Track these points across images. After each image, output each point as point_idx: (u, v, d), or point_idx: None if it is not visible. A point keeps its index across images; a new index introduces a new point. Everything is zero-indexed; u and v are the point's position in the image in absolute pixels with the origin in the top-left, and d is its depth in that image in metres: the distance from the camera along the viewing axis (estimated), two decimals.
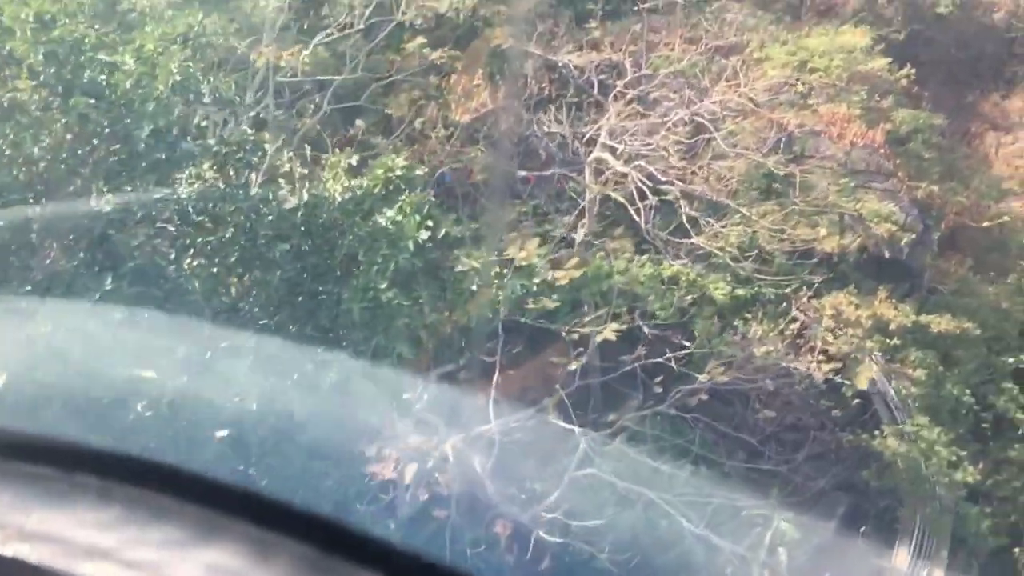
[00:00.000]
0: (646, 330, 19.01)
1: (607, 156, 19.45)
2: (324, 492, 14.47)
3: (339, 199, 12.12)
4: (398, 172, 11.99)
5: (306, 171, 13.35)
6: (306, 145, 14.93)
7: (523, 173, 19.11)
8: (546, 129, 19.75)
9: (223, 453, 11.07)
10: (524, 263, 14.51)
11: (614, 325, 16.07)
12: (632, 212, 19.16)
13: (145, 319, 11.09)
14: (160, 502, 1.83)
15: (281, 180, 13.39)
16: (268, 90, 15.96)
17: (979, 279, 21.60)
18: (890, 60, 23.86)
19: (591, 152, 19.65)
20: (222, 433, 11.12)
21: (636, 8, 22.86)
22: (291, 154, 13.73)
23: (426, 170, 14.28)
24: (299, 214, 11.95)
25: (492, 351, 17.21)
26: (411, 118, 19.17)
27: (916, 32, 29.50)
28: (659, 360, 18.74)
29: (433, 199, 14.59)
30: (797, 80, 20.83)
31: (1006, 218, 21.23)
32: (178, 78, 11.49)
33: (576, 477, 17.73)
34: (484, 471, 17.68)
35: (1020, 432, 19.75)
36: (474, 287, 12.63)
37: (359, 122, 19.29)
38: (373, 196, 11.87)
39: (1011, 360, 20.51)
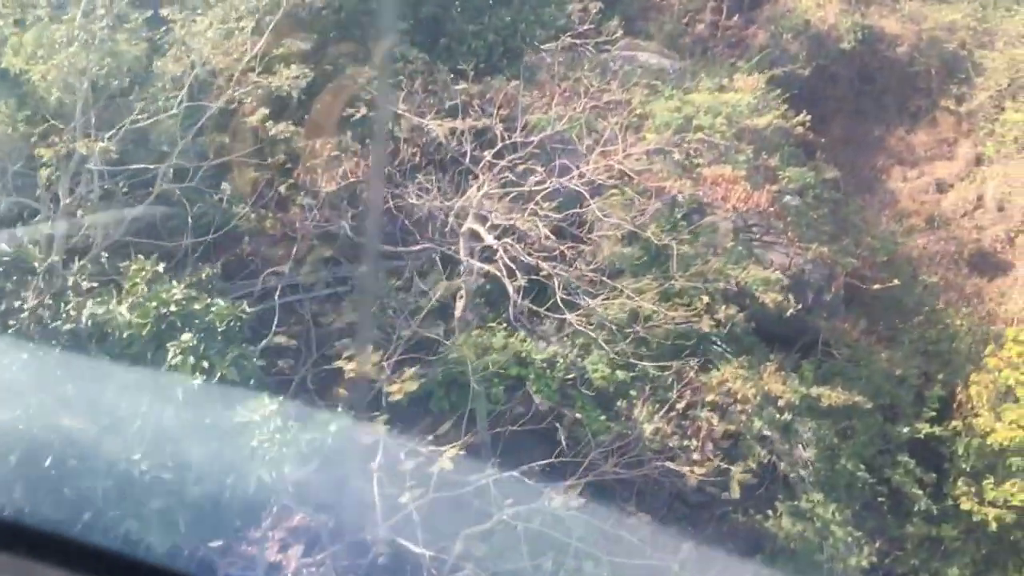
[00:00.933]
0: (537, 403, 17.10)
1: (479, 229, 17.40)
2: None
3: (122, 331, 9.94)
4: (172, 308, 9.87)
5: (94, 285, 11.09)
6: (103, 254, 12.72)
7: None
8: (412, 201, 17.65)
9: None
10: (353, 375, 12.40)
11: (451, 453, 13.97)
12: (509, 288, 17.12)
13: None
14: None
15: (70, 297, 11.15)
16: (79, 183, 13.74)
17: (874, 341, 19.91)
18: (784, 109, 22.04)
19: (463, 225, 17.58)
20: None
21: (518, 58, 20.85)
22: (83, 263, 11.49)
23: (208, 302, 12.12)
24: (58, 353, 9.78)
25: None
26: (267, 187, 16.99)
27: (821, 67, 28.07)
28: (536, 449, 16.85)
29: (247, 311, 12.40)
30: (682, 141, 18.89)
31: (896, 281, 19.45)
32: None
33: None
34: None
35: (916, 508, 17.96)
36: (255, 443, 10.49)
37: (225, 184, 17.10)
38: (142, 338, 9.75)
39: (906, 430, 18.85)
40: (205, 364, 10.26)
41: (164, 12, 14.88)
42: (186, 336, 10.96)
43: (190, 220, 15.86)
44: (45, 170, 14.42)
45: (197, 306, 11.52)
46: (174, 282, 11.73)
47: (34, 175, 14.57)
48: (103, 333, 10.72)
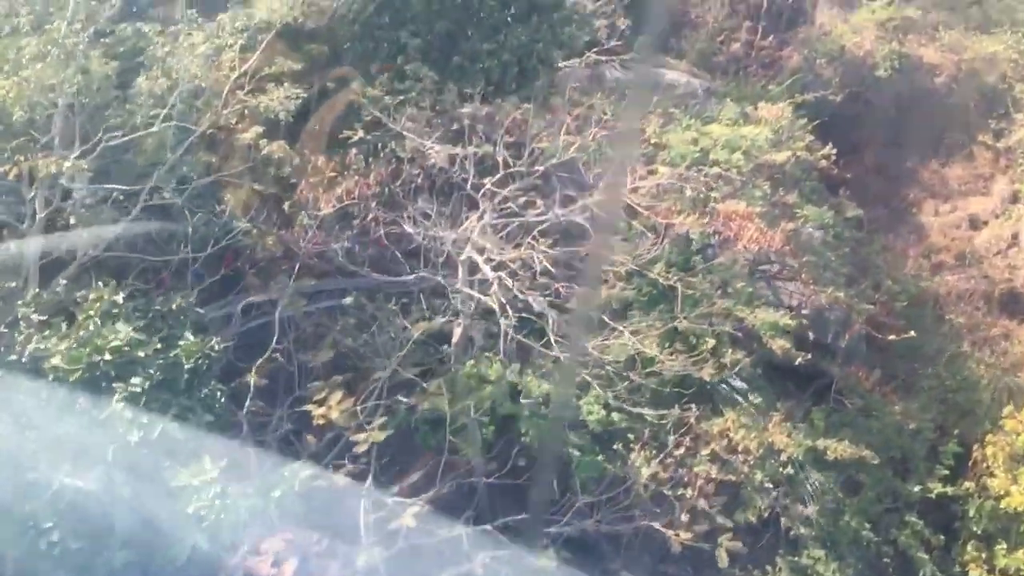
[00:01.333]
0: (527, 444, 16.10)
1: (477, 259, 16.37)
2: None
3: (50, 376, 9.04)
4: (107, 356, 8.92)
5: (44, 317, 10.20)
6: (62, 281, 11.86)
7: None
8: (409, 228, 16.65)
9: None
10: (322, 421, 11.43)
11: (414, 509, 12.94)
12: (502, 325, 16.10)
13: None
14: None
15: (22, 327, 10.27)
16: (51, 203, 12.93)
17: (889, 390, 18.64)
18: (809, 140, 20.79)
19: (461, 253, 16.55)
20: None
21: (532, 79, 19.73)
22: (37, 291, 10.62)
23: (157, 347, 11.17)
24: None
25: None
26: (260, 207, 16.11)
27: (855, 94, 26.84)
28: (525, 493, 15.84)
29: (216, 348, 11.47)
30: (697, 174, 17.72)
31: (912, 333, 18.13)
32: None
33: None
34: None
35: (923, 573, 16.69)
36: (191, 509, 9.52)
37: (229, 199, 16.21)
38: (71, 385, 8.84)
39: (916, 488, 17.53)
40: (145, 420, 9.32)
41: (146, 29, 14.07)
42: (135, 380, 10.02)
43: (184, 236, 15.12)
44: (33, 184, 13.63)
45: (142, 353, 10.56)
46: (118, 325, 10.79)
47: (18, 190, 13.79)
48: (40, 373, 9.87)
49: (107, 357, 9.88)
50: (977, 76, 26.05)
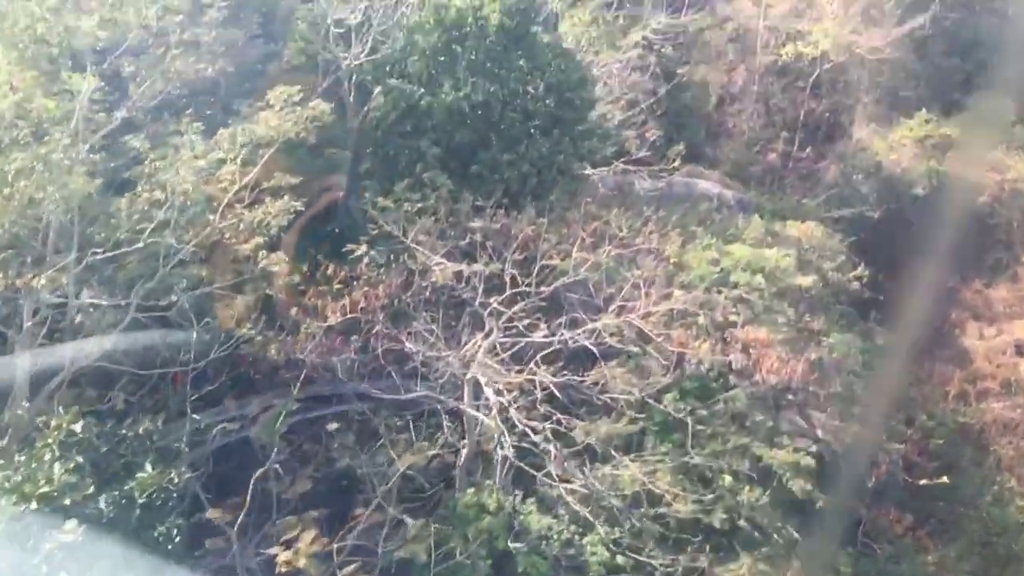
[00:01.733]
0: None
1: (481, 380, 15.48)
2: None
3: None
4: (33, 505, 8.08)
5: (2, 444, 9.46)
6: (25, 403, 11.18)
7: None
8: (411, 346, 15.83)
9: None
10: (285, 568, 10.40)
11: None
12: (500, 453, 15.12)
13: None
14: None
15: None
16: (36, 313, 12.39)
17: (924, 534, 17.16)
18: (841, 261, 19.79)
19: (466, 373, 15.68)
20: None
21: (549, 191, 19.09)
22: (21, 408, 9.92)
23: (92, 489, 10.33)
24: None
25: None
26: (255, 319, 15.46)
27: (893, 211, 25.79)
28: None
29: (175, 482, 10.59)
30: (717, 295, 16.76)
31: (944, 479, 16.73)
32: None
33: None
34: None
35: None
36: None
37: (227, 309, 15.64)
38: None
39: None
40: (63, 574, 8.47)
41: (136, 143, 13.69)
42: (68, 526, 9.16)
43: (183, 345, 14.53)
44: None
45: (68, 500, 9.69)
46: (56, 465, 9.99)
47: (14, 301, 13.31)
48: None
49: (33, 506, 9.06)
50: (1021, 196, 25.01)
